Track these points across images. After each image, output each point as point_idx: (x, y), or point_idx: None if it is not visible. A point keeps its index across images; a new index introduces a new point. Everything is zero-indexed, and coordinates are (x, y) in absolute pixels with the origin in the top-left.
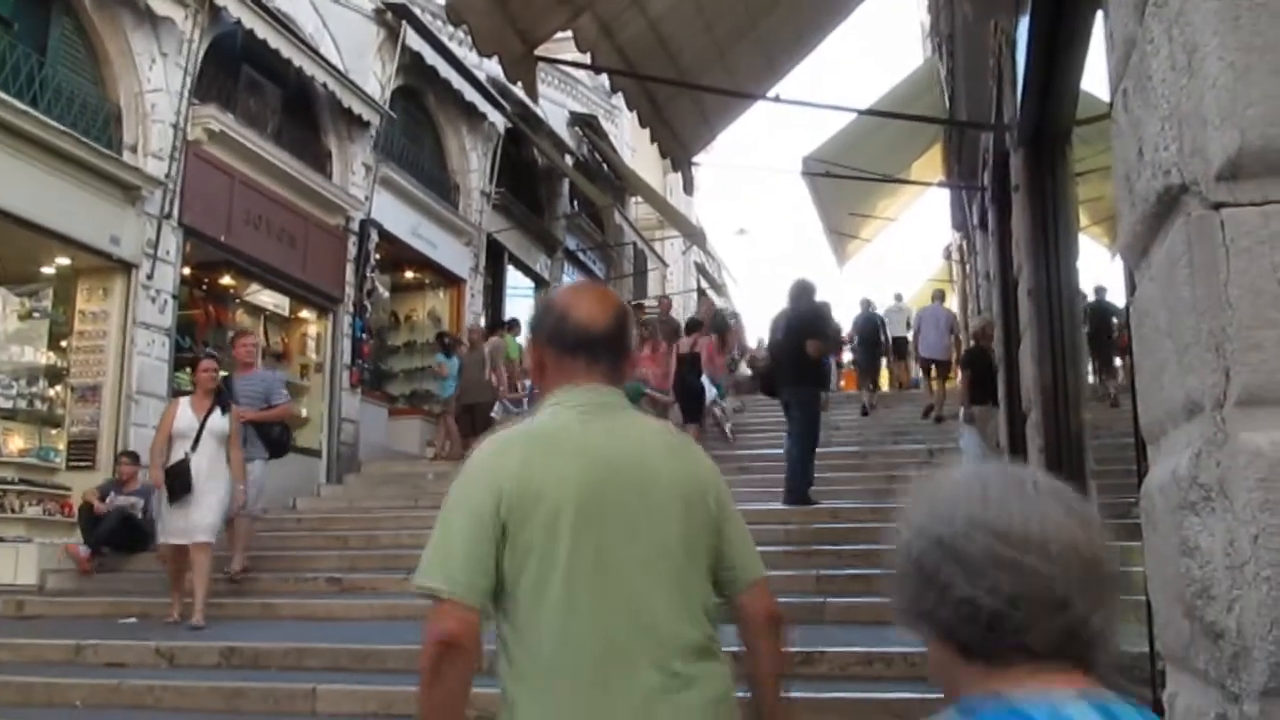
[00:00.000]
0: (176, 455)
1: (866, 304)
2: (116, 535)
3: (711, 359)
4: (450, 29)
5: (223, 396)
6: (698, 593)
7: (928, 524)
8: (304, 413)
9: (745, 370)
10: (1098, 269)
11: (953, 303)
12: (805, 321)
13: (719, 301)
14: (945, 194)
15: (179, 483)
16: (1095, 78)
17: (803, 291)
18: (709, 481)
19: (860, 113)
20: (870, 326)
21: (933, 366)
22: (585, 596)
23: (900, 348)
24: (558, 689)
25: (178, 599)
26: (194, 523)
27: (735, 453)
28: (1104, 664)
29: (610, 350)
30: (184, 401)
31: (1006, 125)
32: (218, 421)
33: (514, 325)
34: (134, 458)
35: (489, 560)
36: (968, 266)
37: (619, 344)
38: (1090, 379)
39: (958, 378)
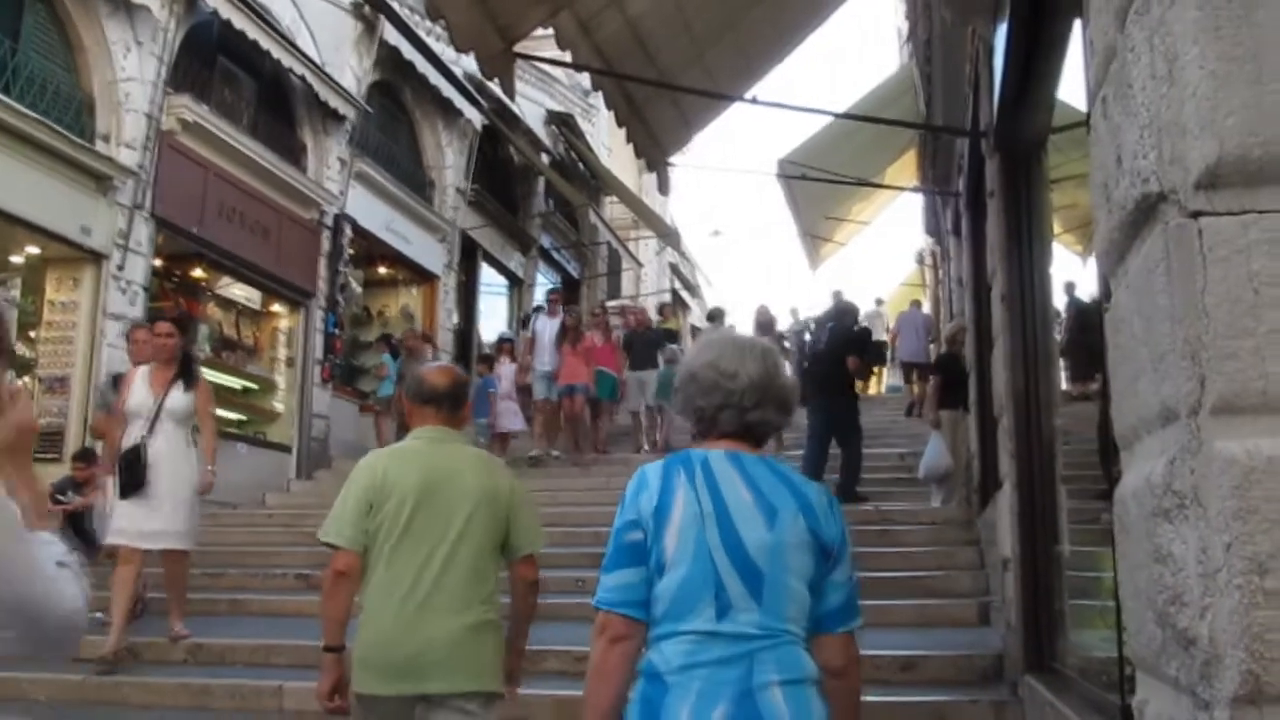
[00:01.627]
0: (130, 439)
1: (837, 295)
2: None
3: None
4: (429, 24)
5: (191, 367)
6: (484, 557)
7: (688, 364)
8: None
9: None
10: (1070, 275)
11: (925, 308)
12: (849, 338)
13: (692, 303)
14: (919, 199)
15: (130, 474)
16: (1068, 86)
17: (846, 311)
18: (503, 487)
19: (836, 116)
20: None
21: (914, 370)
22: (411, 551)
23: (879, 352)
24: (383, 603)
25: (121, 628)
26: (161, 527)
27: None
28: (764, 440)
29: (449, 405)
30: (140, 372)
31: (982, 131)
32: (179, 399)
33: None
34: (89, 457)
35: (364, 526)
36: (940, 272)
37: (455, 401)
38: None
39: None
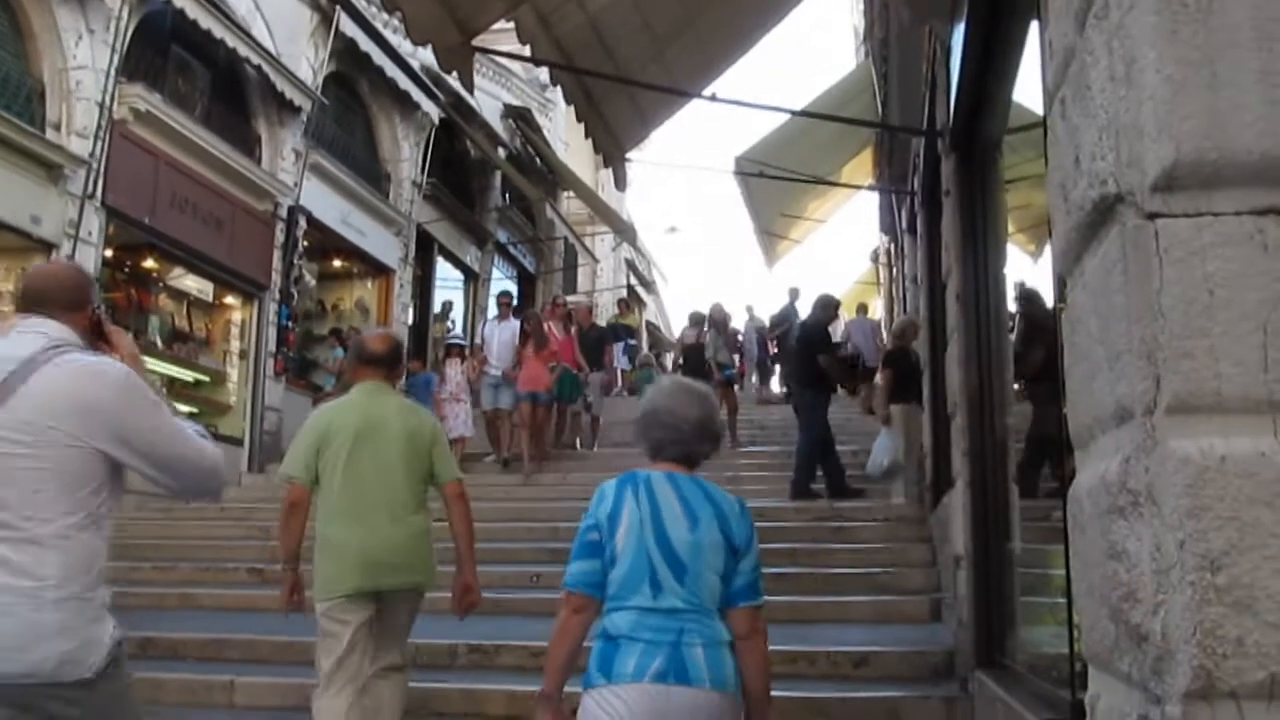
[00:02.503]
0: None
1: (794, 293)
2: None
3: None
4: (385, 16)
5: None
6: (415, 482)
7: (651, 403)
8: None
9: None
10: (1023, 276)
11: (879, 306)
12: (821, 335)
13: (648, 299)
14: (875, 197)
15: None
16: (1024, 87)
17: (825, 306)
18: (425, 427)
19: (794, 114)
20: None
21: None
22: (353, 481)
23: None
24: (337, 524)
25: None
26: None
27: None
28: (698, 464)
29: (385, 366)
30: None
31: (939, 131)
32: None
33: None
34: None
35: (314, 463)
36: (895, 270)
37: (391, 363)
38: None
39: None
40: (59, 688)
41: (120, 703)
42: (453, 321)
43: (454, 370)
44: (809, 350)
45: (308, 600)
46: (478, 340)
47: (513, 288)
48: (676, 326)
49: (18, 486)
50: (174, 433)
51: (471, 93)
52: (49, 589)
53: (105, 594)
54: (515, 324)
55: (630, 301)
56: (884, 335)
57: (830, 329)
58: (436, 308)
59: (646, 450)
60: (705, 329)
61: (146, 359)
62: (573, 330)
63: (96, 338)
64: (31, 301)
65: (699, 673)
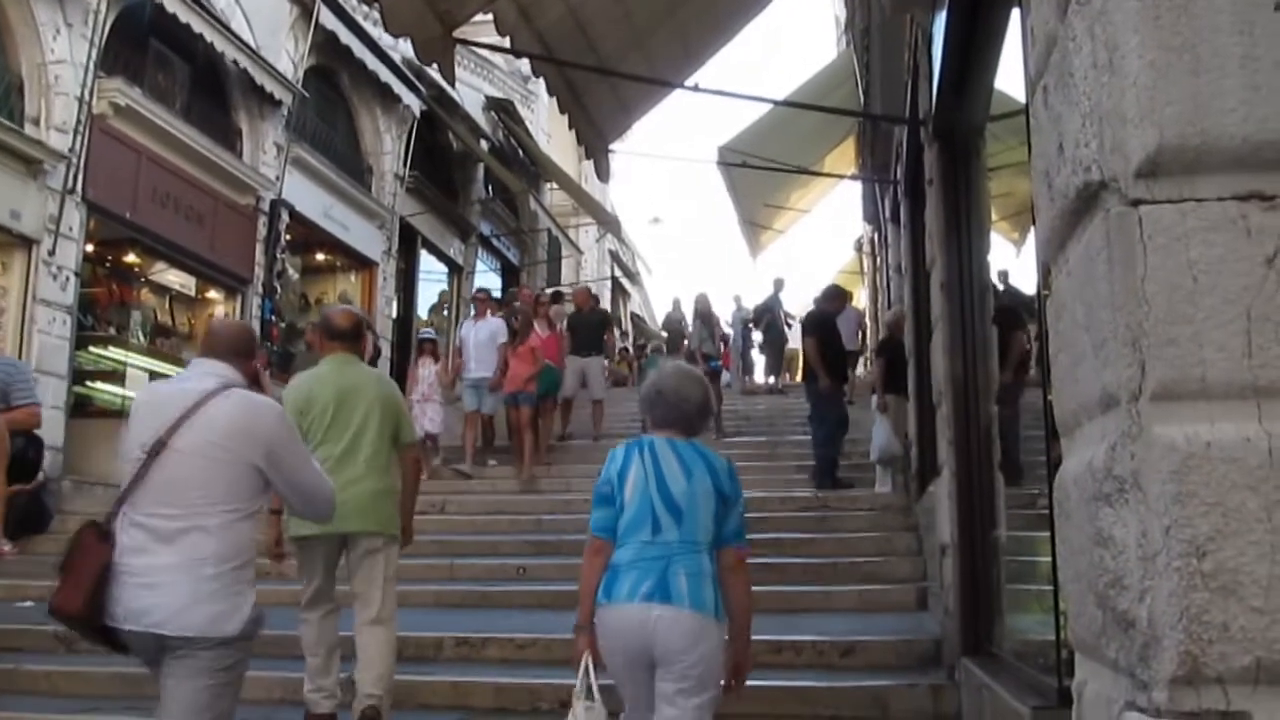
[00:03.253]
0: None
1: (778, 283)
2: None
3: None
4: (365, 9)
5: None
6: (380, 445)
7: (657, 384)
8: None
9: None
10: (1006, 263)
11: (863, 295)
12: (811, 321)
13: (632, 290)
14: (858, 187)
15: None
16: (1006, 74)
17: (830, 298)
18: (392, 397)
19: (776, 103)
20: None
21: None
22: (332, 440)
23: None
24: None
25: None
26: None
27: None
28: (696, 433)
29: (349, 339)
30: None
31: (921, 119)
32: None
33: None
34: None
35: (295, 426)
36: (879, 259)
37: (354, 337)
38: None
39: (861, 367)
40: (207, 641)
41: (246, 659)
42: (430, 326)
43: (426, 370)
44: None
45: (288, 553)
46: (456, 342)
47: (496, 280)
48: (661, 317)
49: (193, 488)
50: (305, 463)
51: (453, 85)
52: (208, 565)
53: (251, 574)
54: (495, 324)
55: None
56: (866, 325)
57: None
58: (422, 301)
59: (651, 422)
60: (692, 317)
61: (129, 354)
62: (560, 327)
63: (254, 384)
64: (209, 348)
65: (680, 595)
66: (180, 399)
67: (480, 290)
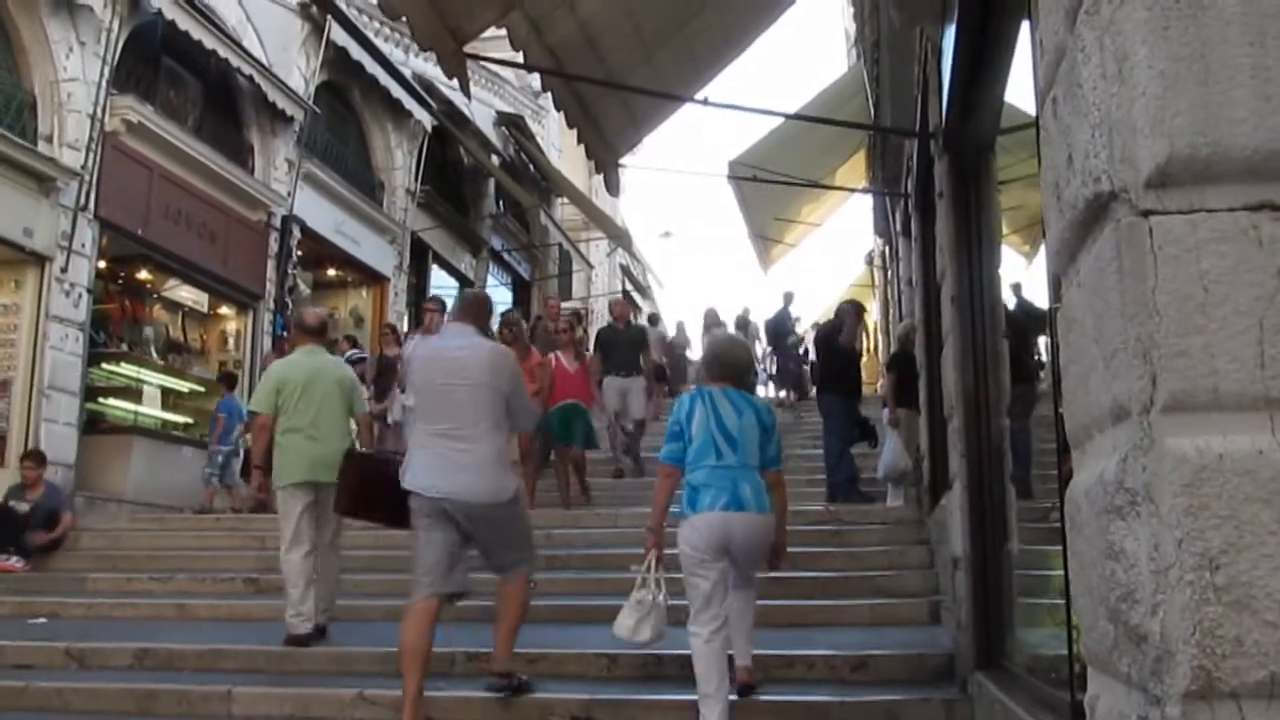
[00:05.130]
0: None
1: (788, 296)
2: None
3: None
4: (376, 24)
5: None
6: (340, 416)
7: (713, 350)
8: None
9: None
10: (1016, 276)
11: (874, 308)
12: (823, 335)
13: (643, 304)
14: (868, 200)
15: None
16: (1016, 87)
17: (847, 314)
18: (348, 378)
19: (787, 117)
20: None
21: None
22: (303, 411)
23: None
24: (292, 437)
25: None
26: None
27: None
28: (745, 384)
29: (316, 334)
30: None
31: (931, 133)
32: None
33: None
34: (38, 459)
35: (274, 400)
36: (889, 272)
37: (321, 332)
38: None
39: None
40: (492, 505)
41: (519, 514)
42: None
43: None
44: (829, 353)
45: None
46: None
47: (508, 295)
48: (672, 330)
49: (467, 409)
50: (524, 391)
51: (469, 99)
52: (487, 458)
53: (508, 462)
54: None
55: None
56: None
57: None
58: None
59: (709, 377)
60: (701, 331)
61: (141, 370)
62: (589, 356)
63: (486, 331)
64: (458, 315)
65: (749, 503)
66: (451, 351)
67: (432, 299)
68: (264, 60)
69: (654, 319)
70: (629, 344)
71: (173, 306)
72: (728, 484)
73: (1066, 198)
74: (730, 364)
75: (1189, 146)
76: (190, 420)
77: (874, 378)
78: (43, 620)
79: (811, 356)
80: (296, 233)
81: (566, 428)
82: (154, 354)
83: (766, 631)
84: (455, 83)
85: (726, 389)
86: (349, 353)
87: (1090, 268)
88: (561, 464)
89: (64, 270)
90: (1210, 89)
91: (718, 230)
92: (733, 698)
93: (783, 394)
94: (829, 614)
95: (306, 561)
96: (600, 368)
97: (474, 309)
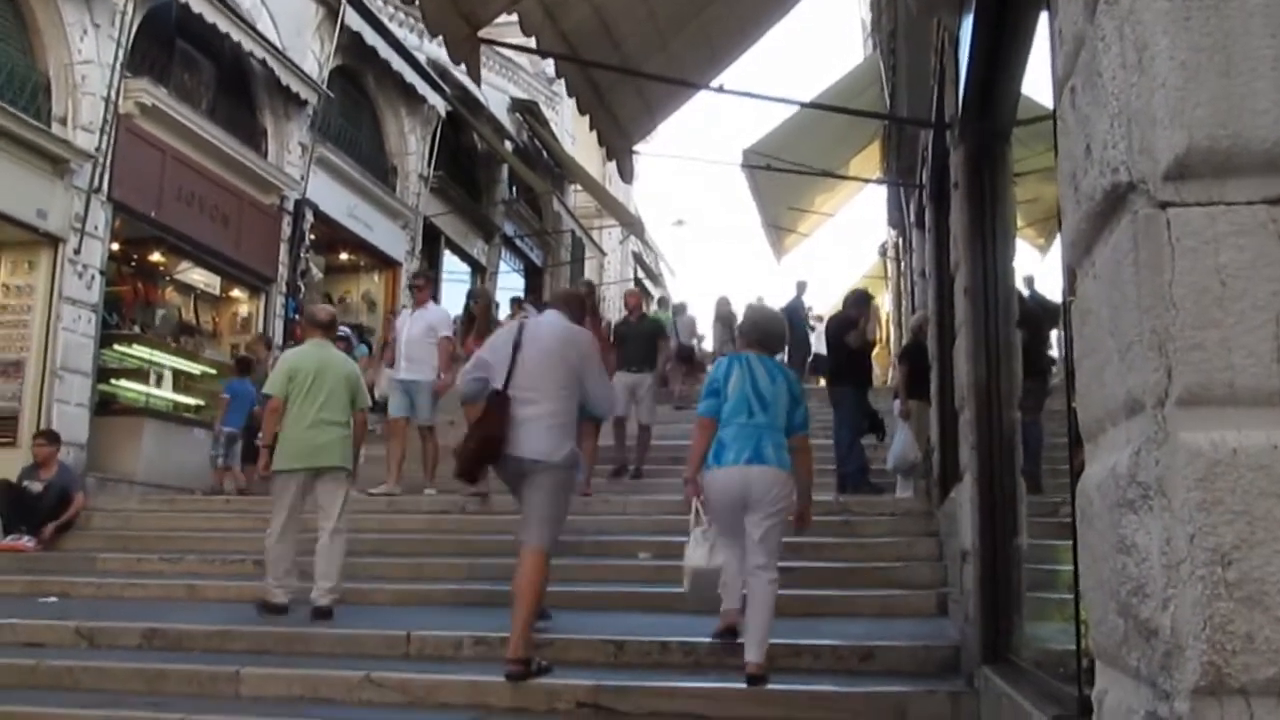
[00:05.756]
0: None
1: (801, 285)
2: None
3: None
4: (391, 9)
5: None
6: (343, 405)
7: (751, 319)
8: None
9: None
10: (1030, 269)
11: (887, 300)
12: (838, 324)
13: (654, 291)
14: (883, 191)
15: None
16: (1033, 79)
17: (854, 303)
18: (353, 372)
19: (802, 105)
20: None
21: None
22: (311, 400)
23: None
24: (298, 425)
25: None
26: None
27: None
28: (776, 352)
29: (325, 328)
30: None
31: (947, 123)
32: None
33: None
34: (51, 438)
35: (286, 387)
36: (903, 264)
37: (329, 327)
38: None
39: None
40: (543, 463)
41: (564, 486)
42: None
43: None
44: (838, 344)
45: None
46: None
47: (519, 280)
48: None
49: (543, 376)
50: (601, 372)
51: (479, 85)
52: (555, 423)
53: (574, 429)
54: (436, 313)
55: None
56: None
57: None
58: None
59: (744, 343)
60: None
61: (153, 352)
62: (604, 326)
63: (578, 322)
64: (552, 303)
65: (769, 458)
66: (541, 329)
67: (418, 274)
68: (278, 44)
69: (681, 308)
70: (643, 337)
71: (185, 289)
72: (752, 440)
73: (1084, 188)
74: (767, 333)
75: (1209, 138)
76: (202, 402)
77: (886, 368)
78: (53, 599)
79: (817, 347)
80: (309, 216)
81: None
82: (167, 336)
83: (775, 620)
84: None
85: (762, 356)
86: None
87: (1106, 259)
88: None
89: (77, 252)
90: (1231, 80)
91: (731, 219)
92: (740, 685)
93: None
94: (837, 604)
95: (289, 546)
96: (614, 362)
97: (566, 300)
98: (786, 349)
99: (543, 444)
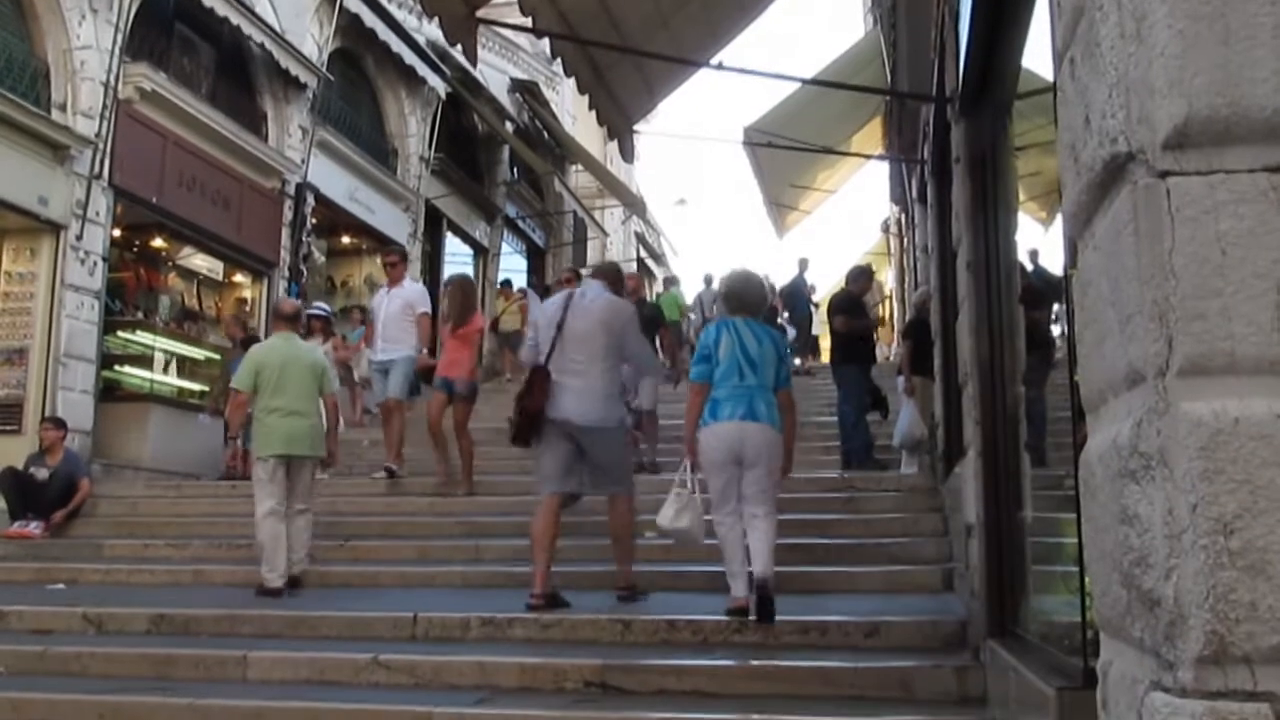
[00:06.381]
0: None
1: (803, 263)
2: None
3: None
4: None
5: None
6: (312, 394)
7: (730, 286)
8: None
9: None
10: (1033, 243)
11: (889, 276)
12: (852, 307)
13: (657, 271)
14: (884, 167)
15: None
16: (1034, 51)
17: (855, 279)
18: (320, 361)
19: (803, 82)
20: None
21: None
22: (280, 391)
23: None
24: (270, 416)
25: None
26: None
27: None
28: (759, 315)
29: (290, 322)
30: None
31: (948, 97)
32: None
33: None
34: (57, 423)
35: (253, 381)
36: (905, 240)
37: (294, 320)
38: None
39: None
40: (599, 429)
41: (623, 444)
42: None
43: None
44: (840, 323)
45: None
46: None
47: (522, 262)
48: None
49: (592, 349)
50: (642, 340)
51: (475, 66)
52: (599, 389)
53: (619, 394)
54: (412, 291)
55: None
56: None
57: (864, 299)
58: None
59: (729, 310)
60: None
61: (156, 338)
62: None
63: (617, 294)
64: (596, 274)
65: (762, 415)
66: (585, 302)
67: (391, 250)
68: (277, 27)
69: (708, 279)
70: (644, 322)
71: (187, 274)
72: (745, 399)
73: (1083, 159)
74: (744, 298)
75: (1208, 107)
76: (206, 388)
77: (891, 345)
78: (61, 586)
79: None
80: (310, 200)
81: None
82: (169, 322)
83: (781, 598)
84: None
85: (748, 320)
86: (314, 306)
87: (1106, 230)
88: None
89: (79, 238)
90: (1230, 49)
91: (733, 197)
92: (747, 663)
93: (797, 361)
94: (842, 580)
95: (279, 524)
96: None
97: (606, 273)
98: (794, 330)
99: (596, 411)
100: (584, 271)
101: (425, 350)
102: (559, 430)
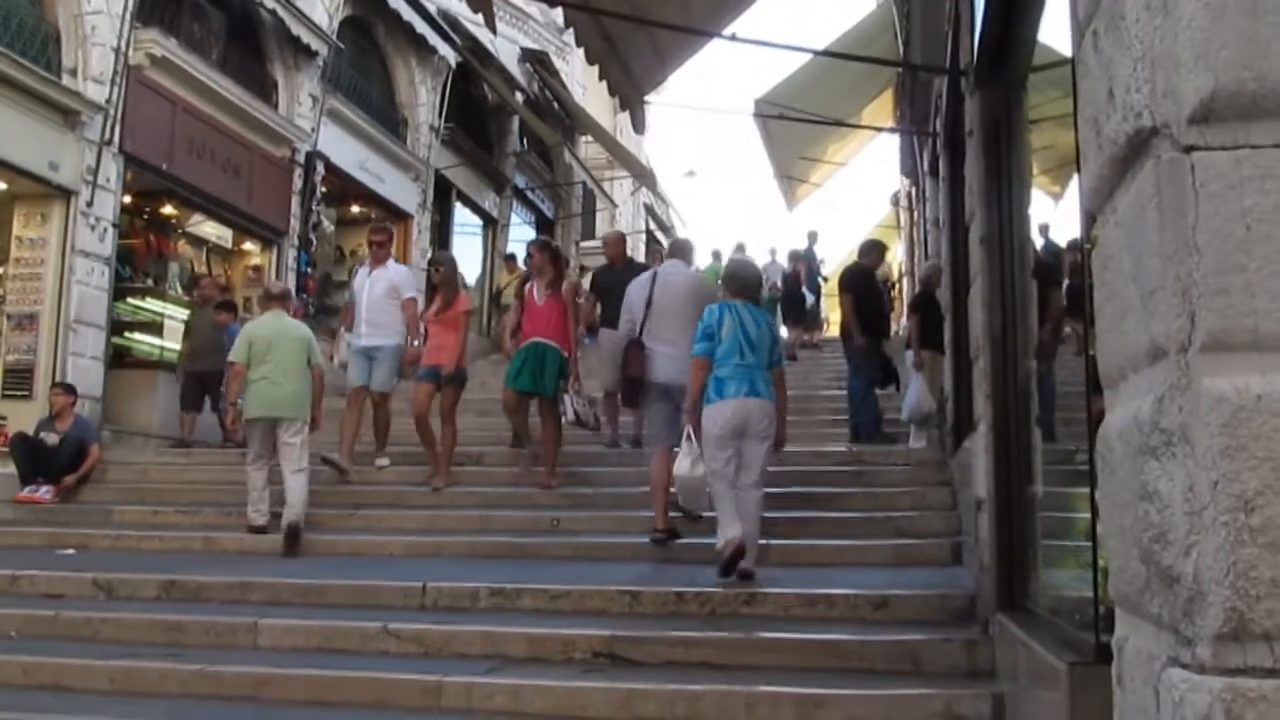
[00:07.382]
0: None
1: (813, 236)
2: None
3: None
4: None
5: None
6: (300, 364)
7: (731, 271)
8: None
9: None
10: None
11: (899, 249)
12: (863, 280)
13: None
14: (895, 140)
15: None
16: (1050, 24)
17: (866, 252)
18: (306, 335)
19: (815, 53)
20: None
21: None
22: (270, 360)
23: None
24: (261, 382)
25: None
26: None
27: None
28: (757, 298)
29: (280, 300)
30: None
31: (962, 70)
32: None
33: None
34: (67, 389)
35: (247, 354)
36: (916, 213)
37: (284, 299)
38: None
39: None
40: (680, 386)
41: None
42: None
43: None
44: (854, 297)
45: (240, 427)
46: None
47: (531, 233)
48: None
49: (679, 320)
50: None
51: (494, 33)
52: (687, 355)
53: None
54: (397, 272)
55: (653, 246)
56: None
57: (877, 273)
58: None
59: (729, 293)
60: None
61: (166, 305)
62: (564, 289)
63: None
64: (672, 253)
65: (762, 392)
66: (670, 278)
67: (376, 228)
68: None
69: (741, 246)
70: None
71: (197, 242)
72: (747, 378)
73: (1106, 133)
74: (747, 282)
75: (1234, 81)
76: None
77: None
78: (71, 551)
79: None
80: (320, 169)
81: (528, 373)
82: (179, 289)
83: (789, 570)
84: (480, 18)
85: (748, 303)
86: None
87: (1129, 205)
88: (545, 419)
89: (89, 204)
90: (1258, 21)
91: (743, 169)
92: (754, 634)
93: (805, 336)
94: (851, 554)
95: (263, 472)
96: (592, 315)
97: (681, 249)
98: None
99: (688, 372)
100: (591, 244)
101: (414, 341)
102: (659, 391)
